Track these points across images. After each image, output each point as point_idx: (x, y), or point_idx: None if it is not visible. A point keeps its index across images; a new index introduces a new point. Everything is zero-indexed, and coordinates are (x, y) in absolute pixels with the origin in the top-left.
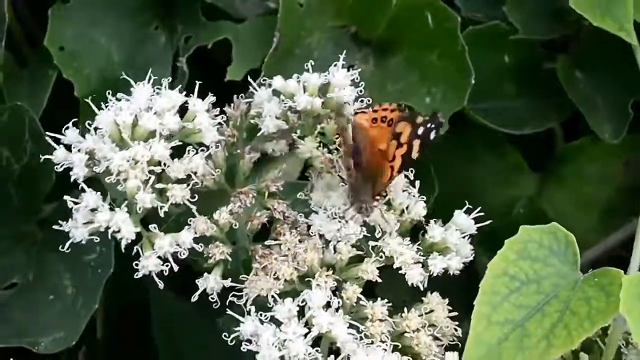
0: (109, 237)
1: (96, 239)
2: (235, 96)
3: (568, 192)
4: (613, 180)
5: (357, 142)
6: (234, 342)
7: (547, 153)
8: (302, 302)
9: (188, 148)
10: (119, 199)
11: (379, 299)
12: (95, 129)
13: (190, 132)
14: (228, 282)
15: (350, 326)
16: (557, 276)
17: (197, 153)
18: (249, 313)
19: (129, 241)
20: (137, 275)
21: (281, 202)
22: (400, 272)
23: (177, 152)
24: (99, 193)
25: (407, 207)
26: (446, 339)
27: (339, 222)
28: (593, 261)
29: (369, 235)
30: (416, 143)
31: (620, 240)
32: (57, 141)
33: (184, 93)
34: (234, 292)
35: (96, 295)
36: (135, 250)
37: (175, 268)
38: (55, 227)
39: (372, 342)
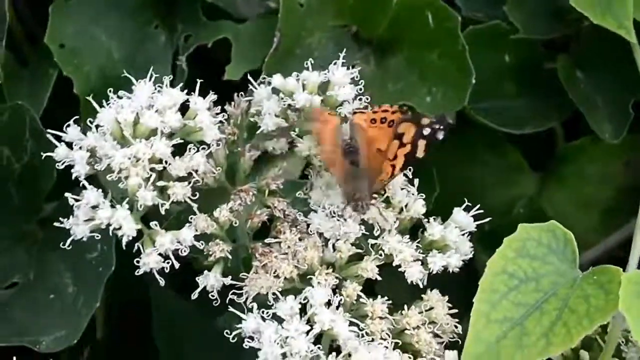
0: (110, 235)
1: (97, 237)
2: (235, 94)
3: (568, 192)
4: (613, 180)
5: (355, 141)
6: (235, 340)
7: (547, 153)
8: (303, 299)
9: (189, 146)
10: (120, 197)
11: (379, 296)
12: (97, 126)
13: (191, 130)
14: (228, 280)
15: (351, 324)
16: (556, 274)
17: (197, 151)
18: (250, 310)
19: (130, 238)
20: (137, 273)
21: (281, 200)
22: (399, 269)
23: (178, 150)
24: (100, 190)
25: (406, 205)
26: (446, 336)
27: (338, 220)
28: (593, 261)
29: (368, 233)
30: (421, 143)
31: (620, 240)
32: (58, 139)
33: (184, 91)
34: (234, 290)
35: (97, 294)
36: (136, 248)
37: (177, 265)
38: (57, 225)
39: (373, 340)
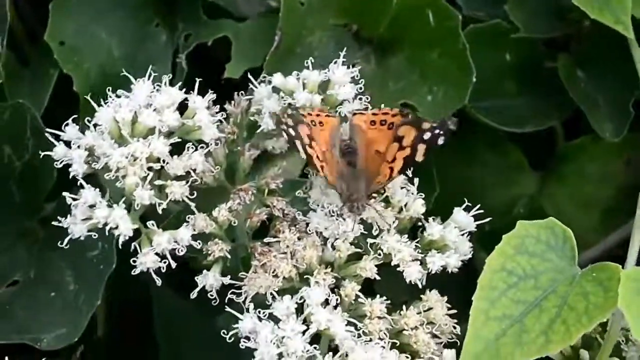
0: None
1: (96, 235)
2: (235, 93)
3: (569, 190)
4: (614, 179)
5: (354, 142)
6: (233, 339)
7: (548, 152)
8: (300, 299)
9: (187, 145)
10: (118, 196)
11: (378, 296)
12: (95, 125)
13: (189, 129)
14: (227, 280)
15: (349, 323)
16: (555, 271)
17: (196, 150)
18: (247, 310)
19: (127, 238)
20: (134, 272)
21: (280, 200)
22: (398, 269)
23: (177, 149)
24: (97, 189)
25: (405, 205)
26: (445, 337)
27: (337, 219)
28: (593, 260)
29: (367, 232)
30: (421, 147)
31: (620, 240)
32: (58, 138)
33: (183, 90)
34: (233, 290)
35: (98, 292)
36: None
37: (173, 265)
38: (55, 223)
39: (371, 340)
